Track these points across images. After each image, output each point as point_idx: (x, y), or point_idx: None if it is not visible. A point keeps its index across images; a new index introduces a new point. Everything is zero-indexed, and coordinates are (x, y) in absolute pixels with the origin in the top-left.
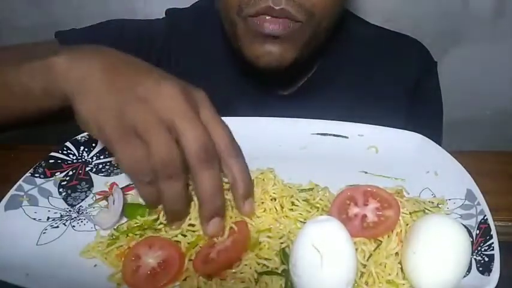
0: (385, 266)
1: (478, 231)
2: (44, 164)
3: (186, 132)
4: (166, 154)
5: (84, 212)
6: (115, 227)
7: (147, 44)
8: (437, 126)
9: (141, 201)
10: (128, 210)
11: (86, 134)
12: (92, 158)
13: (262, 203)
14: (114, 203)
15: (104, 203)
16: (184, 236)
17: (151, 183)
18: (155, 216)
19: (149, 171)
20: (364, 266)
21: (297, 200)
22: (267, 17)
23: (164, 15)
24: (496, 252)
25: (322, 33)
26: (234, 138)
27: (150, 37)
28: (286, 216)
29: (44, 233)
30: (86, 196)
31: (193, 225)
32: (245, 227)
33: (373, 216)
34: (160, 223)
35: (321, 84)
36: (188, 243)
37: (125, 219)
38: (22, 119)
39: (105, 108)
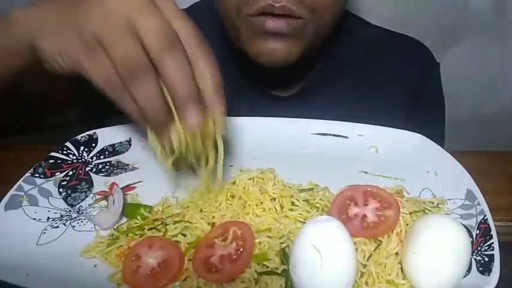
0: (385, 266)
1: (478, 231)
2: (44, 164)
3: (143, 24)
4: (125, 53)
5: (84, 212)
6: (115, 227)
7: None
8: (439, 127)
9: (140, 201)
10: (127, 210)
11: (86, 134)
12: (92, 158)
13: (262, 203)
14: (114, 203)
15: (103, 203)
16: (184, 235)
17: (128, 93)
18: (156, 217)
19: (118, 79)
20: (364, 266)
21: (297, 200)
22: (269, 16)
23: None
24: (496, 252)
25: (326, 30)
26: (198, 31)
27: None
28: (286, 216)
29: (44, 233)
30: (86, 196)
31: (190, 223)
32: (250, 235)
33: (373, 216)
34: (160, 224)
35: (321, 86)
36: (188, 243)
37: (124, 219)
38: None
39: (64, 33)
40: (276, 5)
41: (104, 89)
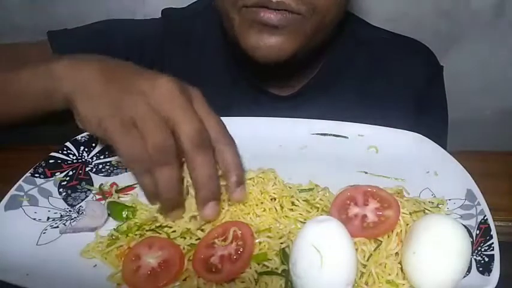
0: (385, 266)
1: (478, 231)
2: (44, 164)
3: (181, 121)
4: (160, 141)
5: (84, 212)
6: (115, 227)
7: (139, 45)
8: (442, 131)
9: (140, 201)
10: (112, 209)
11: (86, 134)
12: (92, 158)
13: (262, 203)
14: (94, 211)
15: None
16: (184, 238)
17: (150, 173)
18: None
19: (146, 160)
20: (364, 266)
21: (297, 200)
22: (265, 9)
23: (177, 7)
24: (496, 252)
25: (326, 30)
26: (226, 129)
27: (143, 37)
28: (286, 216)
29: (44, 233)
30: (86, 196)
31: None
32: (250, 235)
33: (373, 216)
34: (160, 225)
35: (322, 86)
36: (188, 245)
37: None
38: (20, 119)
39: (104, 104)
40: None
41: (126, 162)
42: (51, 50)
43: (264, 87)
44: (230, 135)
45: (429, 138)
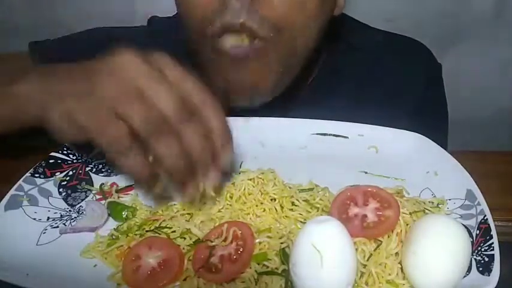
0: (385, 266)
1: (478, 231)
2: (44, 164)
3: (158, 95)
4: (145, 114)
5: (84, 212)
6: (115, 227)
7: None
8: (442, 132)
9: (140, 201)
10: (112, 208)
11: None
12: (92, 158)
13: (262, 203)
14: (94, 211)
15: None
16: (184, 238)
17: (137, 154)
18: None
19: (129, 141)
20: (364, 266)
21: (297, 200)
22: (232, 34)
23: (164, 16)
24: (496, 252)
25: (302, 51)
26: (204, 90)
27: (128, 45)
28: (286, 216)
29: (44, 233)
30: (86, 196)
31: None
32: (250, 235)
33: (373, 216)
34: (160, 226)
35: (314, 100)
36: (187, 245)
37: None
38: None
39: (74, 103)
40: (235, 22)
41: (110, 152)
42: (31, 61)
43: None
44: (209, 96)
45: (429, 138)
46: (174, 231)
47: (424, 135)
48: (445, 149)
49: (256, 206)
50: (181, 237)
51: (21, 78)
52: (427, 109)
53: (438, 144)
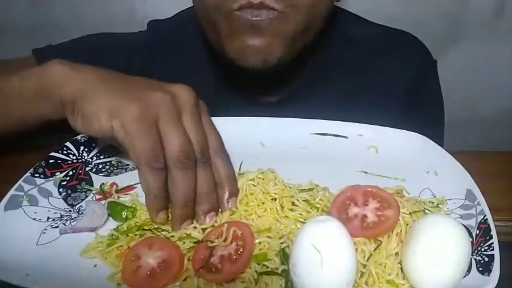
0: (385, 266)
1: (478, 231)
2: (44, 164)
3: (193, 131)
4: (183, 145)
5: (84, 212)
6: (115, 227)
7: (126, 58)
8: (438, 126)
9: (140, 201)
10: (112, 208)
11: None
12: (92, 158)
13: (263, 203)
14: (94, 211)
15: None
16: (183, 243)
17: (162, 170)
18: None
19: (163, 158)
20: (364, 266)
21: (297, 200)
22: (248, 10)
23: (163, 17)
24: (496, 252)
25: (310, 30)
26: (223, 143)
27: (130, 50)
28: (286, 216)
29: (44, 233)
30: (86, 196)
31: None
32: (250, 235)
33: (373, 216)
34: (159, 227)
35: (312, 88)
36: (187, 248)
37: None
38: (4, 130)
39: (121, 97)
40: (255, 1)
41: (138, 157)
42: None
43: (252, 95)
44: (225, 149)
45: (424, 132)
46: (173, 236)
47: (417, 126)
48: (441, 145)
49: (258, 205)
50: (180, 240)
51: (52, 64)
52: (420, 100)
53: (433, 139)
